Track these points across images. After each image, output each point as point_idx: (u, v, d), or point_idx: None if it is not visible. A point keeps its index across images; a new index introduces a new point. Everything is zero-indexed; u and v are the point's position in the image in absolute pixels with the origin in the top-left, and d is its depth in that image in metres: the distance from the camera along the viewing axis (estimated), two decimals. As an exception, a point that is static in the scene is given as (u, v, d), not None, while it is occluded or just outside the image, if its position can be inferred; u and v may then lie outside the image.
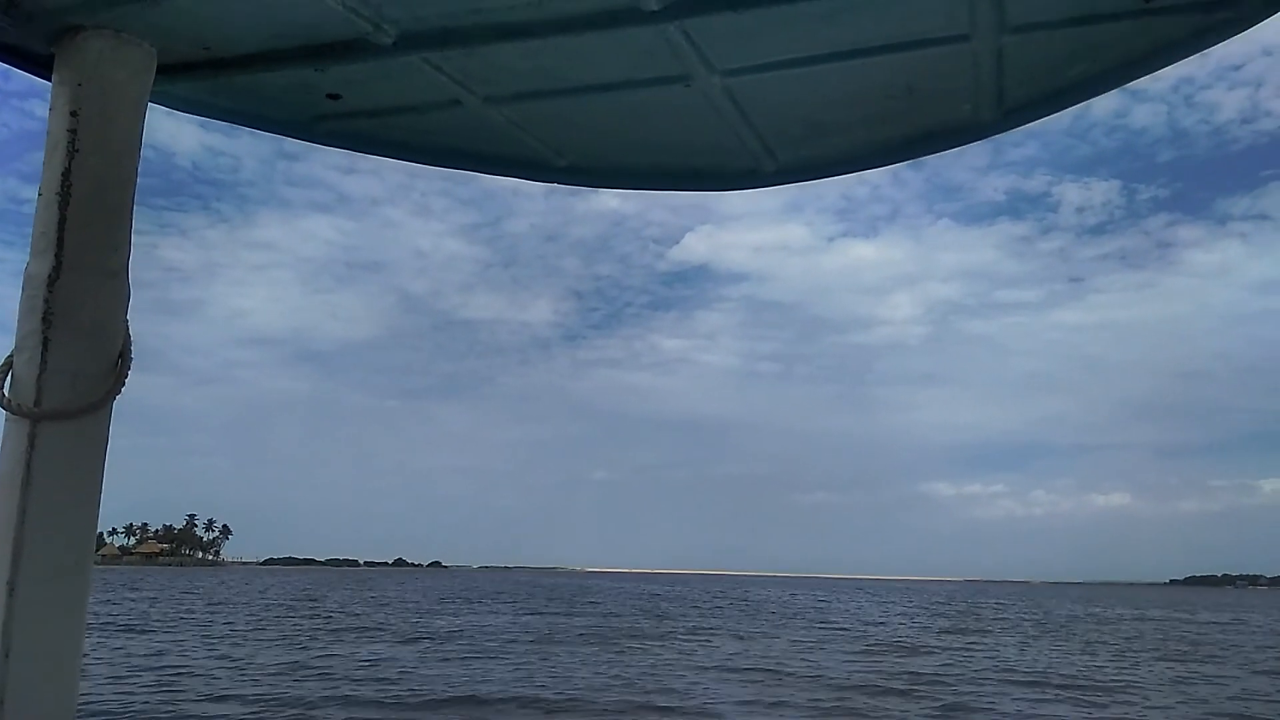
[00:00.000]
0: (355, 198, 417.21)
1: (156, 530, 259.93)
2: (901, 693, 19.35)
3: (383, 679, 19.56)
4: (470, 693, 17.71)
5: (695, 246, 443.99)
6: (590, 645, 28.64)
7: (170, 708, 15.76)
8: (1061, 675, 23.30)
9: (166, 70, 1.90)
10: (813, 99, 2.06)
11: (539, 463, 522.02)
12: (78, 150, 1.72)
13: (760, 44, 1.84)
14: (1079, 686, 21.11)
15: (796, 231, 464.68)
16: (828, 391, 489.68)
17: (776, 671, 22.31)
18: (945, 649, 30.76)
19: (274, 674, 20.16)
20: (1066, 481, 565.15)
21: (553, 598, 69.38)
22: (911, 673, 22.72)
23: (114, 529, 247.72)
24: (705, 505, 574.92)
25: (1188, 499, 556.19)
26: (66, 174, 1.71)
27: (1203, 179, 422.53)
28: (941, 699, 18.44)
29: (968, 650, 30.42)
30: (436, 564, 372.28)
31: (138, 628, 32.94)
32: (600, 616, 44.62)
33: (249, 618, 40.03)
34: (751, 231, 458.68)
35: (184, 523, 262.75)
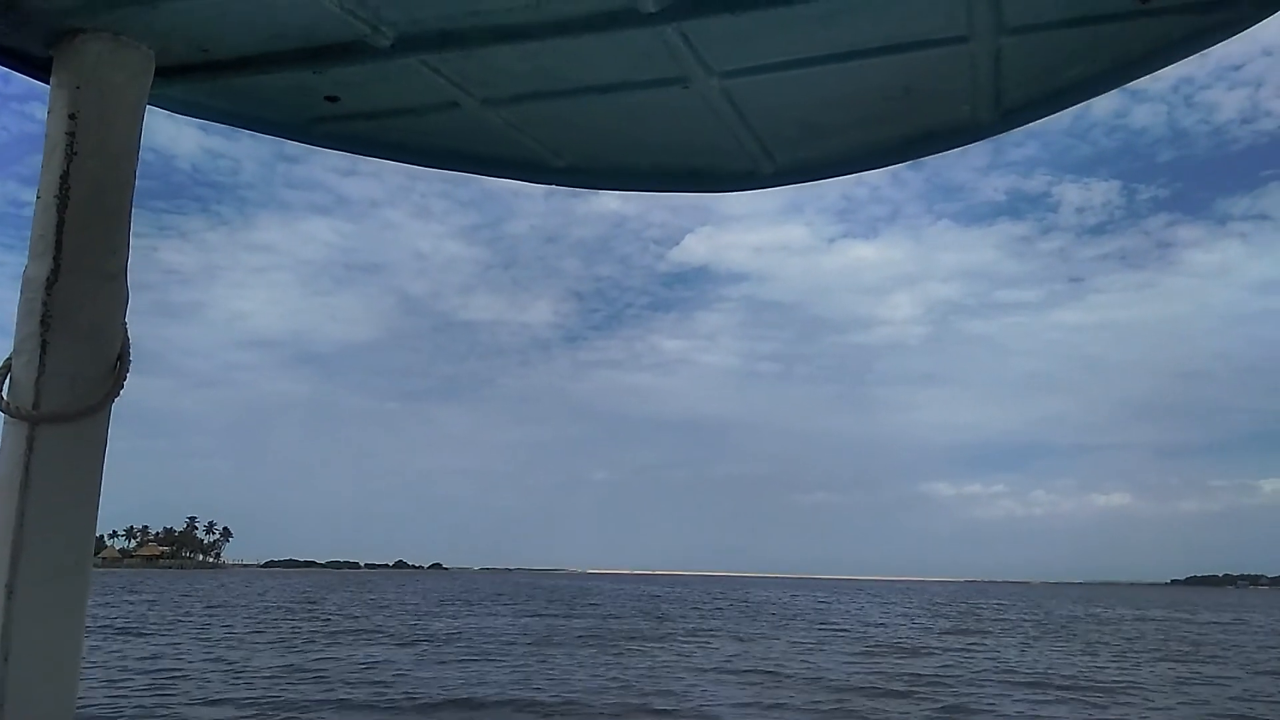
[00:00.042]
0: (355, 200, 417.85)
1: (157, 533, 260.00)
2: (901, 694, 19.24)
3: (378, 682, 19.45)
4: (466, 695, 17.61)
5: (695, 247, 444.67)
6: (589, 647, 28.54)
7: (163, 711, 15.65)
8: (1062, 676, 23.20)
9: (165, 73, 1.90)
10: (810, 100, 2.06)
11: (539, 464, 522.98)
12: (76, 153, 1.72)
13: (758, 46, 1.83)
14: (1080, 687, 21.01)
15: (796, 232, 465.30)
16: (828, 392, 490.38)
17: (775, 673, 22.21)
18: (946, 650, 30.65)
19: (269, 677, 20.04)
20: (1067, 482, 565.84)
21: (552, 599, 69.31)
22: (911, 674, 22.62)
23: (114, 532, 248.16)
24: (706, 506, 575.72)
25: (1188, 499, 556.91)
26: (65, 177, 1.71)
27: (1203, 179, 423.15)
28: (942, 700, 18.33)
29: (968, 651, 30.31)
30: (437, 566, 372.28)
31: (134, 630, 32.84)
32: (599, 618, 44.51)
33: (247, 620, 39.94)
34: (751, 232, 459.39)
35: (184, 525, 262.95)
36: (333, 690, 18.09)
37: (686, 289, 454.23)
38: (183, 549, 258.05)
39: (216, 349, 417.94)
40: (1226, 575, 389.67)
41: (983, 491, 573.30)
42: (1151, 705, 18.84)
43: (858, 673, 22.64)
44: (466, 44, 1.83)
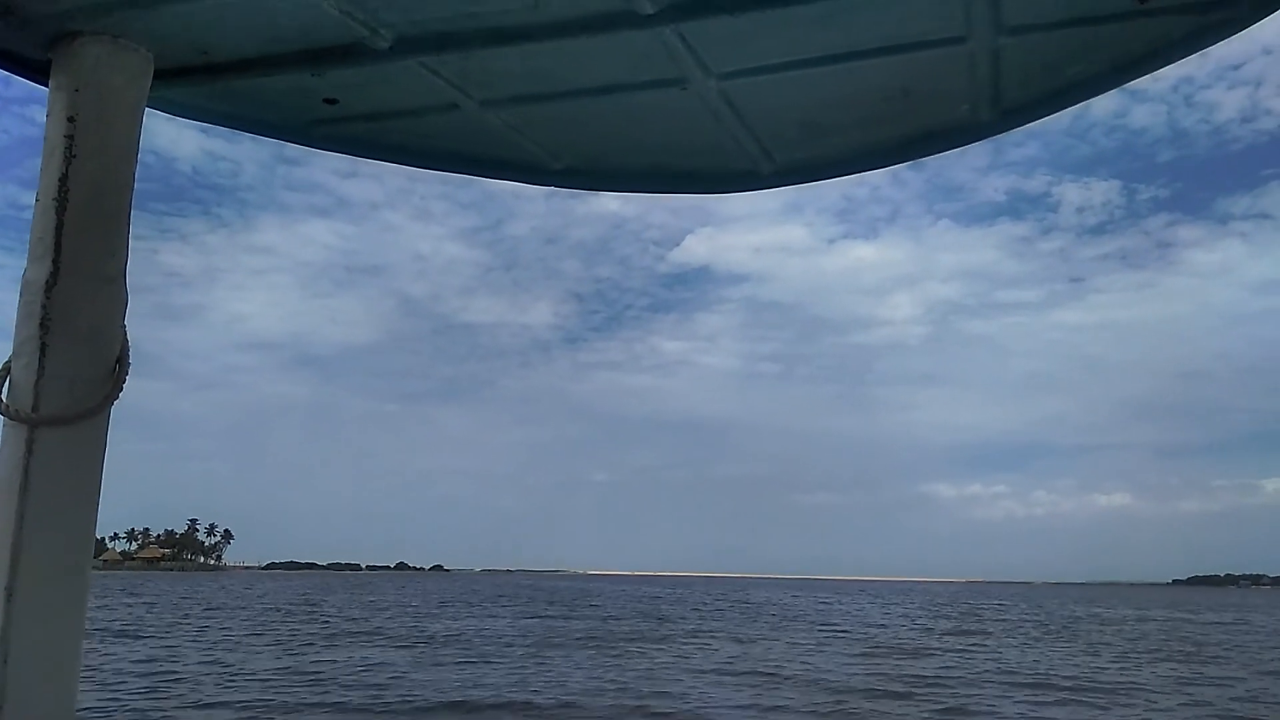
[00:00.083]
0: (355, 202, 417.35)
1: (158, 535, 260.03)
2: (901, 696, 19.09)
3: (373, 684, 19.29)
4: (461, 698, 17.46)
5: (695, 248, 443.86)
6: (588, 649, 28.42)
7: (155, 714, 15.50)
8: (1064, 677, 23.05)
9: (163, 75, 1.90)
10: (809, 101, 2.06)
11: (540, 465, 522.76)
12: (75, 156, 1.72)
13: (756, 47, 1.84)
14: (1082, 689, 20.85)
15: (796, 233, 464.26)
16: (828, 392, 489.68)
17: (775, 675, 22.07)
18: (946, 651, 30.51)
19: (263, 680, 19.89)
20: (1067, 482, 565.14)
21: (553, 601, 69.24)
22: (912, 675, 22.47)
23: (115, 534, 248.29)
24: (706, 507, 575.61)
25: (1189, 499, 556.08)
26: (64, 179, 1.72)
27: (1203, 179, 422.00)
28: (942, 702, 18.18)
29: (969, 652, 30.16)
30: (438, 567, 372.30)
31: (132, 633, 32.70)
32: (599, 620, 44.39)
33: (245, 623, 39.82)
34: (751, 233, 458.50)
35: (185, 528, 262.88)
36: (328, 693, 17.94)
37: (687, 290, 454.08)
38: (184, 551, 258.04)
39: (216, 351, 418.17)
40: (1228, 575, 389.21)
41: (983, 492, 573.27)
42: (1154, 706, 18.70)
43: (857, 674, 22.49)
44: (465, 46, 1.83)
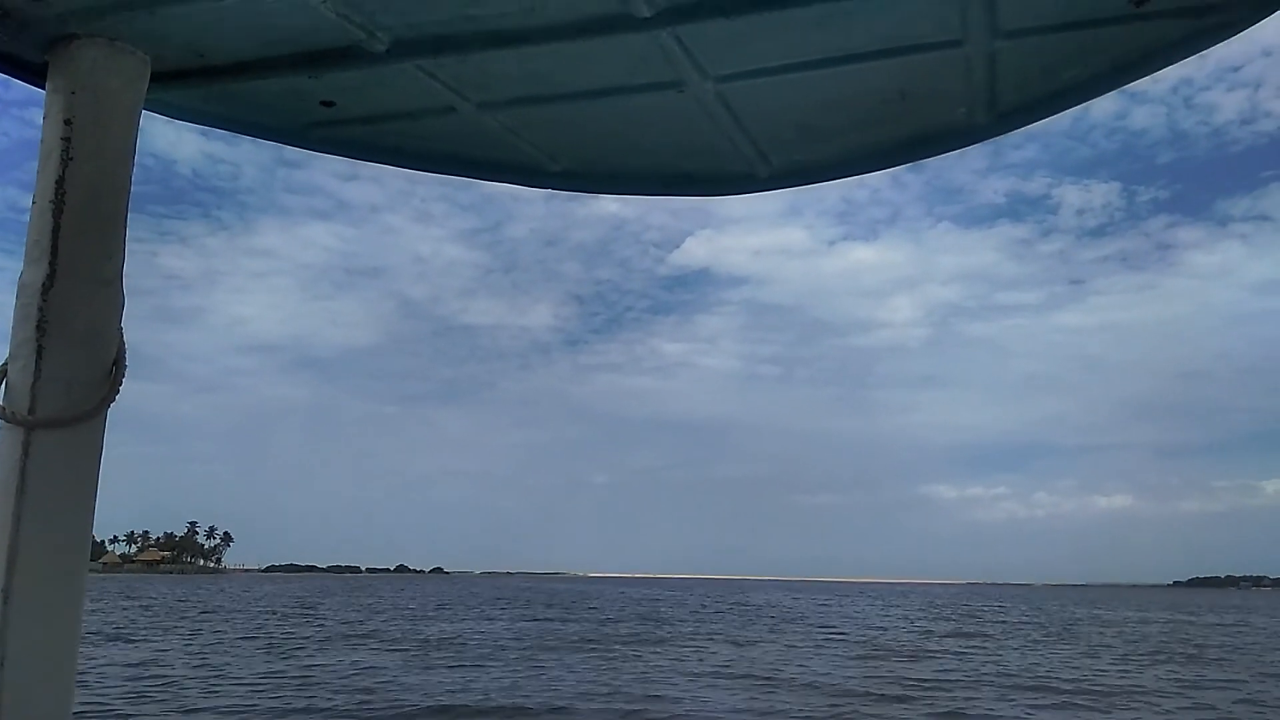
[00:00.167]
0: (355, 204, 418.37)
1: (158, 538, 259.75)
2: (899, 699, 18.78)
3: (362, 688, 18.94)
4: (450, 703, 17.10)
5: (695, 251, 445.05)
6: (583, 652, 28.12)
7: (133, 720, 15.19)
8: (1064, 680, 22.74)
9: (160, 78, 1.89)
10: (806, 104, 2.06)
11: (540, 467, 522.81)
12: (72, 158, 1.72)
13: (753, 50, 1.83)
14: (1083, 691, 20.55)
15: (796, 235, 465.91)
16: (828, 394, 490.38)
17: (771, 678, 21.76)
18: (946, 653, 30.22)
19: (250, 684, 19.56)
20: (1068, 483, 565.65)
21: (551, 603, 69.00)
22: (910, 678, 22.16)
23: (115, 537, 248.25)
24: (707, 509, 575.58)
25: (1190, 500, 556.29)
26: (60, 182, 1.71)
27: (1203, 180, 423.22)
28: (941, 705, 17.86)
29: (969, 654, 29.86)
30: (438, 570, 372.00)
31: (124, 636, 32.45)
32: (596, 622, 44.08)
33: (240, 625, 39.55)
34: (751, 235, 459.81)
35: (185, 530, 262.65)
36: (314, 698, 17.59)
37: (687, 292, 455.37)
38: (183, 554, 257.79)
39: (217, 354, 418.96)
40: (1229, 576, 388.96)
41: (984, 493, 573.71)
42: (1156, 709, 18.40)
43: (855, 677, 22.16)
44: (462, 49, 1.82)
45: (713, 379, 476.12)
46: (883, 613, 62.85)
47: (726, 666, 24.33)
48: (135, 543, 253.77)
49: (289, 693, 18.29)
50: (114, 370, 1.74)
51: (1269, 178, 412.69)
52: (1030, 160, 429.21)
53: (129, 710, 16.02)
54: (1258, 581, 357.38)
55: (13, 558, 1.58)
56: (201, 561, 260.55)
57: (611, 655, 27.11)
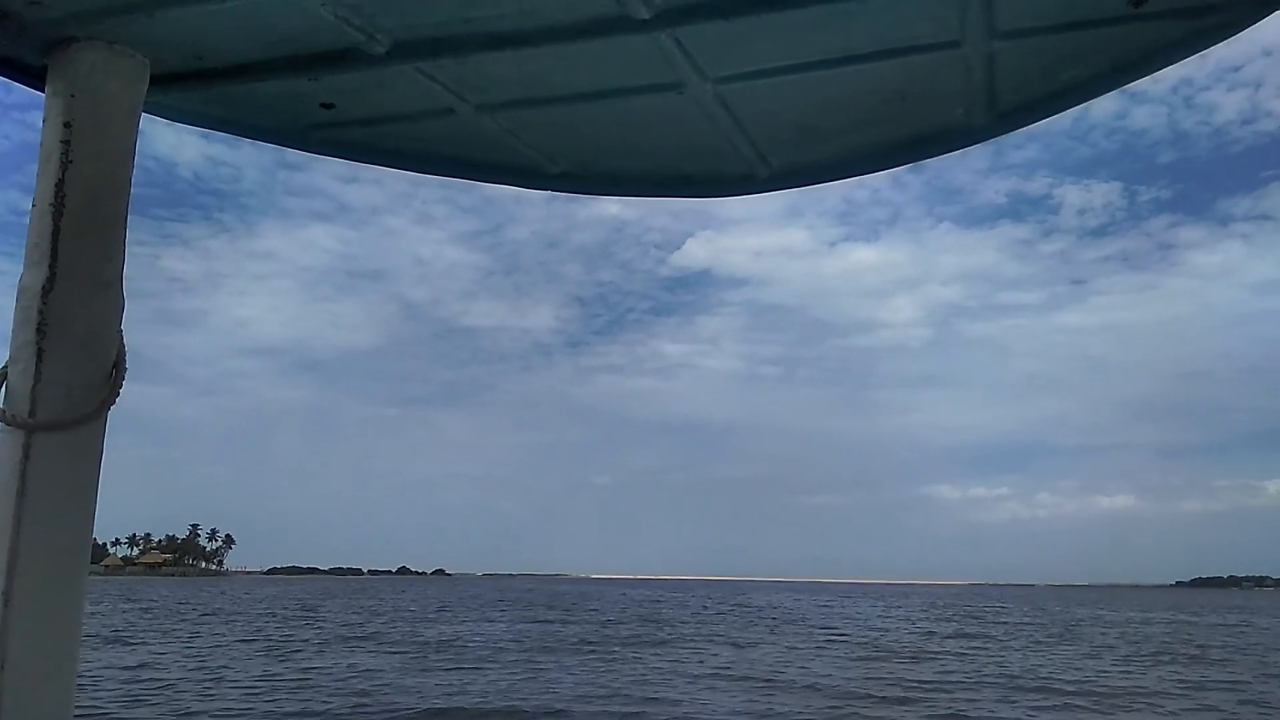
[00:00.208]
0: (356, 207, 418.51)
1: (159, 540, 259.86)
2: (899, 701, 18.68)
3: (358, 691, 18.91)
4: (446, 705, 17.04)
5: (697, 252, 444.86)
6: (582, 654, 28.06)
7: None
8: (1067, 681, 22.64)
9: (160, 80, 1.89)
10: (805, 105, 2.06)
11: (542, 469, 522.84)
12: (71, 161, 1.72)
13: (752, 51, 1.83)
14: (1086, 693, 20.45)
15: (797, 236, 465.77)
16: (830, 394, 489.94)
17: (771, 680, 21.68)
18: (948, 654, 30.11)
19: (246, 687, 19.51)
20: (1070, 483, 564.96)
21: (552, 605, 68.89)
22: (912, 680, 22.07)
23: (117, 539, 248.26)
24: (709, 510, 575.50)
25: (1192, 500, 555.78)
26: (60, 185, 1.71)
27: (1204, 180, 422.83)
28: (942, 707, 17.78)
29: (971, 655, 29.76)
30: (440, 572, 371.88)
31: (123, 639, 32.37)
32: (597, 624, 43.99)
33: (239, 628, 39.49)
34: (753, 236, 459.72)
35: (187, 533, 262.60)
36: (310, 701, 17.51)
37: (688, 293, 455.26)
38: (185, 556, 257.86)
39: (218, 356, 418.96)
40: (1232, 576, 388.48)
41: (985, 493, 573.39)
42: (1159, 711, 18.30)
43: (856, 678, 22.10)
44: (461, 51, 1.82)
45: (714, 380, 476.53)
46: (884, 614, 62.71)
47: (727, 668, 24.25)
48: (137, 545, 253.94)
49: (285, 696, 18.24)
50: (114, 373, 1.74)
51: (1270, 177, 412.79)
52: (1031, 160, 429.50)
53: (123, 714, 15.94)
54: (1260, 582, 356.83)
55: (13, 560, 1.58)
56: (203, 564, 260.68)
57: (611, 657, 27.05)
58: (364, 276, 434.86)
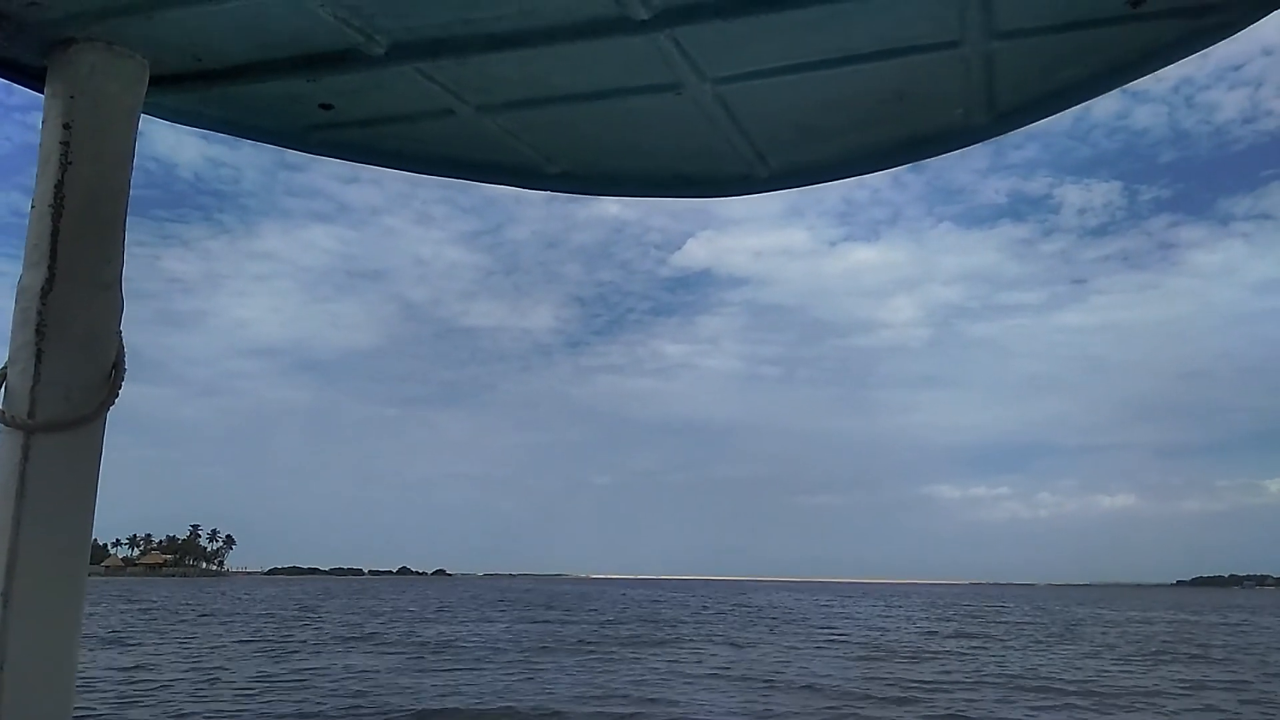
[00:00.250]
0: (356, 207, 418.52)
1: (160, 541, 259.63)
2: (899, 701, 18.59)
3: (354, 692, 18.82)
4: (439, 707, 16.95)
5: (697, 252, 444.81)
6: (580, 654, 27.99)
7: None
8: (1068, 681, 22.54)
9: (159, 81, 1.90)
10: (804, 105, 2.06)
11: (542, 469, 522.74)
12: (70, 162, 1.72)
13: (750, 51, 1.84)
14: (1086, 693, 20.35)
15: (798, 236, 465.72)
16: (830, 394, 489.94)
17: (770, 680, 21.60)
18: (948, 654, 30.04)
19: (241, 688, 19.44)
20: (1070, 483, 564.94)
21: (551, 605, 68.81)
22: (911, 680, 21.99)
23: (117, 540, 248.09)
24: (709, 510, 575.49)
25: (1192, 499, 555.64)
26: (59, 186, 1.72)
27: (1204, 179, 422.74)
28: (941, 707, 17.71)
29: (971, 655, 29.70)
30: (440, 572, 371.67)
31: (121, 640, 32.26)
32: (596, 624, 43.91)
33: (237, 628, 39.42)
34: (753, 236, 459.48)
35: (187, 533, 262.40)
36: (304, 702, 17.42)
37: (688, 293, 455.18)
38: (186, 557, 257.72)
39: (218, 357, 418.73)
40: (1233, 576, 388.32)
41: (986, 493, 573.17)
42: (1161, 710, 18.21)
43: (855, 678, 22.04)
44: (460, 51, 1.83)
45: (714, 380, 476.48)
46: (884, 613, 62.62)
47: (726, 668, 24.19)
48: (137, 546, 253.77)
49: (278, 696, 18.16)
50: (113, 374, 1.74)
51: (1270, 176, 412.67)
52: (1031, 160, 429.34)
53: (114, 715, 15.83)
54: (1261, 581, 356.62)
55: (12, 561, 1.59)
56: (204, 564, 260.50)
57: (610, 657, 27.00)
58: (364, 277, 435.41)
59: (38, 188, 1.74)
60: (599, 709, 16.89)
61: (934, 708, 17.61)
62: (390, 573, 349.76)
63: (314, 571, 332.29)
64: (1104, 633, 43.91)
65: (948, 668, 25.33)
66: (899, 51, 1.84)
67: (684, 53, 1.82)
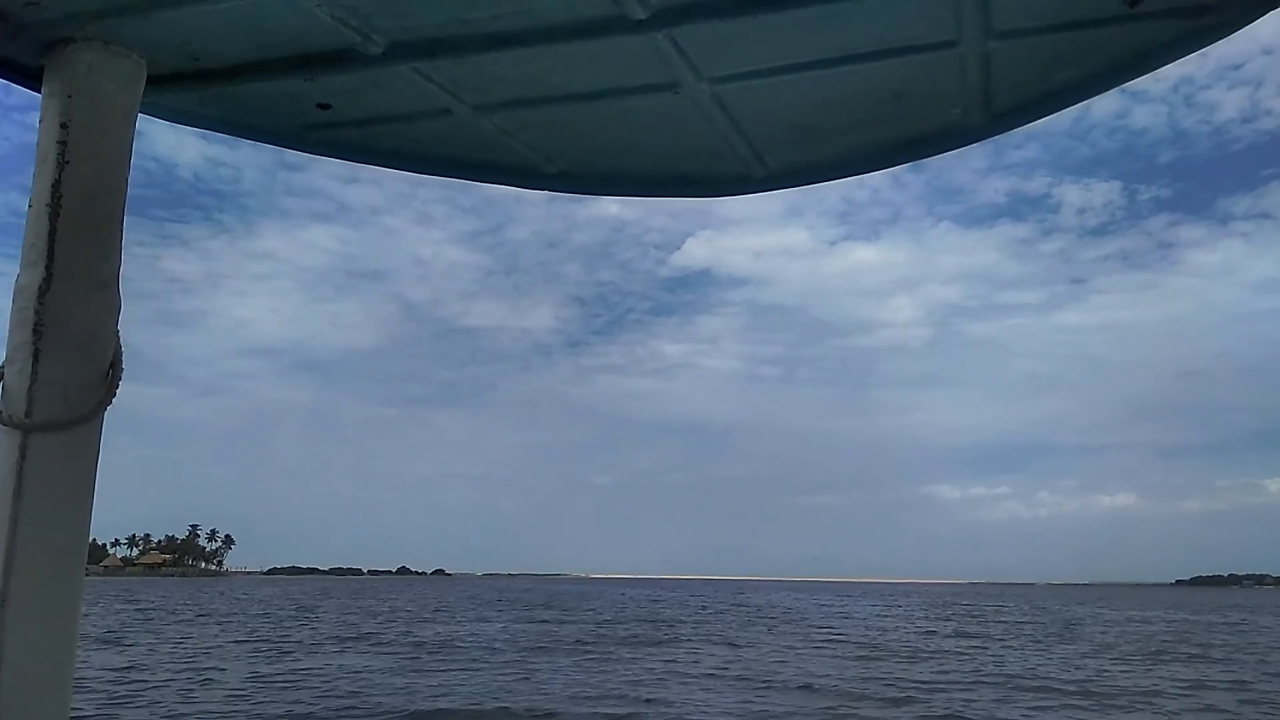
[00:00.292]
0: (356, 207, 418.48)
1: (159, 541, 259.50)
2: (897, 701, 18.51)
3: (347, 692, 18.78)
4: (433, 707, 16.88)
5: (697, 252, 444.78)
6: (578, 654, 27.94)
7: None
8: (1067, 680, 22.50)
9: (156, 81, 1.90)
10: (801, 105, 2.07)
11: (542, 469, 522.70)
12: (68, 162, 1.73)
13: (748, 51, 1.84)
14: (1086, 693, 20.30)
15: (798, 235, 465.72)
16: (830, 394, 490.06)
17: (767, 680, 21.54)
18: (946, 653, 29.95)
19: (234, 688, 19.37)
20: (1070, 482, 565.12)
21: (550, 605, 68.74)
22: (910, 680, 21.93)
23: (116, 540, 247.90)
24: (708, 509, 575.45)
25: (1192, 499, 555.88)
26: (57, 185, 1.72)
27: (1204, 179, 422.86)
28: (940, 707, 17.65)
29: (970, 655, 29.63)
30: (440, 572, 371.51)
31: (117, 640, 32.13)
32: (594, 624, 43.83)
33: (234, 629, 39.32)
34: (753, 236, 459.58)
35: (187, 533, 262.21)
36: (297, 703, 17.34)
37: (688, 293, 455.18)
38: (185, 557, 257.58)
39: (218, 357, 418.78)
40: (1232, 575, 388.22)
41: (986, 493, 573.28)
42: (1160, 710, 18.15)
43: (853, 678, 21.98)
44: (458, 51, 1.83)
45: (714, 380, 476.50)
46: (883, 613, 62.55)
47: (724, 668, 24.15)
48: (136, 546, 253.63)
49: (270, 697, 18.08)
50: (111, 373, 1.74)
51: (1270, 176, 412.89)
52: (1031, 159, 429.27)
53: (103, 716, 15.72)
54: (1260, 580, 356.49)
55: (10, 561, 1.59)
56: (203, 564, 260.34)
57: (607, 657, 26.94)
58: (364, 277, 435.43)
59: (35, 187, 1.74)
60: (594, 709, 16.82)
61: (932, 708, 17.56)
62: (389, 572, 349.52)
63: (313, 571, 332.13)
64: (1103, 632, 43.85)
65: (946, 667, 25.28)
66: (896, 51, 1.84)
67: (681, 52, 1.82)
